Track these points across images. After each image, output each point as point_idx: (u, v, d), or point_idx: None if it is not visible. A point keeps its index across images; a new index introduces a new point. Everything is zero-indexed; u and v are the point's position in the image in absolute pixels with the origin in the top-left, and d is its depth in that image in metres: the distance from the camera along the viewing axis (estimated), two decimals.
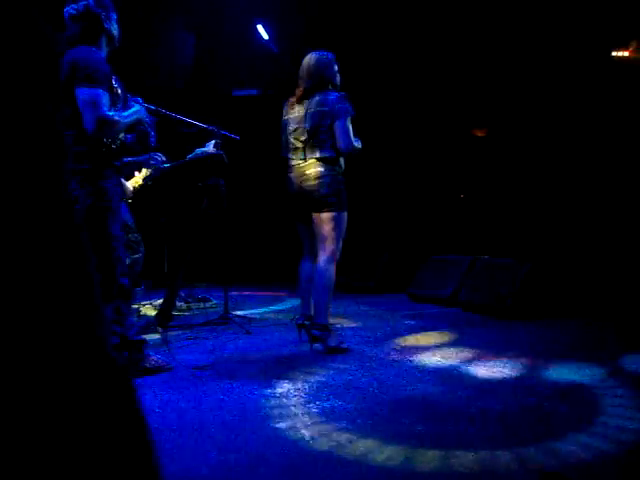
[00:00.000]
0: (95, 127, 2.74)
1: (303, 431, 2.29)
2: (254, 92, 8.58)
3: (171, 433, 2.26)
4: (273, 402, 2.67)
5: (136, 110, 3.06)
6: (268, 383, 2.99)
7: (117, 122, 2.83)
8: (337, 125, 3.65)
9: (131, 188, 4.15)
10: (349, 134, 3.66)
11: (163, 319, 4.58)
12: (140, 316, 4.99)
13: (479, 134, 8.42)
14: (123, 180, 4.06)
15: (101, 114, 2.74)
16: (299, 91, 3.83)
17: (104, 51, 2.95)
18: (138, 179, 4.18)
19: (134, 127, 3.14)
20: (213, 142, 4.45)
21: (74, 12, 2.84)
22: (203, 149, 4.34)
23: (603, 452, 2.02)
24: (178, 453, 2.06)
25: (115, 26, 2.99)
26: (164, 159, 4.05)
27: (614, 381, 2.91)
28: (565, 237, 6.20)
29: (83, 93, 2.74)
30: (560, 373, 3.08)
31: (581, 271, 5.13)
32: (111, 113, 2.81)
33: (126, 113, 2.98)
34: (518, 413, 2.47)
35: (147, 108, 3.96)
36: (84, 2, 2.83)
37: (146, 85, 4.64)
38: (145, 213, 5.16)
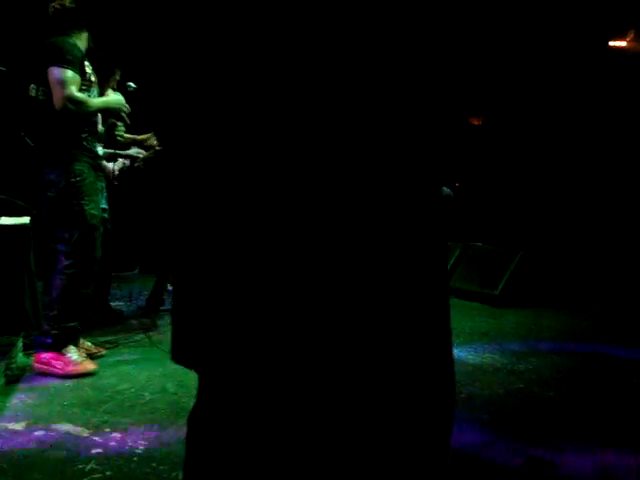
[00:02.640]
0: (62, 104, 2.83)
1: None
2: None
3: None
4: None
5: (109, 100, 3.18)
6: None
7: (84, 102, 2.89)
8: None
9: (117, 170, 4.13)
10: None
11: (154, 303, 4.57)
12: (131, 301, 4.99)
13: (475, 122, 8.40)
14: (106, 163, 4.04)
15: (69, 92, 2.81)
16: None
17: (82, 45, 3.05)
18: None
19: (105, 116, 3.25)
20: None
21: (59, 7, 2.97)
22: None
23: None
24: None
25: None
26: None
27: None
28: (557, 226, 6.21)
29: (54, 72, 2.84)
30: (546, 361, 3.09)
31: (572, 261, 5.13)
32: (79, 94, 2.88)
33: (97, 99, 3.07)
34: (504, 398, 2.48)
35: (138, 90, 3.95)
36: None
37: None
38: (137, 197, 5.14)
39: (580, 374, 2.85)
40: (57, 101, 2.83)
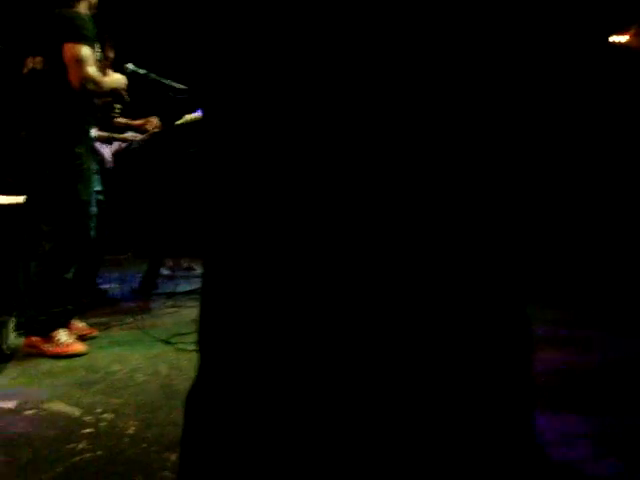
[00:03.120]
0: (81, 83, 2.75)
1: None
2: None
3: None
4: None
5: (116, 80, 3.09)
6: None
7: (101, 81, 2.83)
8: None
9: (111, 154, 4.11)
10: None
11: (148, 286, 4.55)
12: (124, 284, 4.97)
13: None
14: (100, 146, 4.01)
15: (88, 71, 2.72)
16: None
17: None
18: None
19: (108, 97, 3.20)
20: None
21: None
22: (194, 114, 4.27)
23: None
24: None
25: None
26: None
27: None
28: (538, 222, 6.21)
29: (71, 49, 2.72)
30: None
31: (553, 256, 5.15)
32: (97, 73, 2.81)
33: (107, 79, 2.99)
34: None
35: (135, 72, 3.91)
36: None
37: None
38: (132, 180, 5.12)
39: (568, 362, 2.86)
40: (75, 80, 2.73)
